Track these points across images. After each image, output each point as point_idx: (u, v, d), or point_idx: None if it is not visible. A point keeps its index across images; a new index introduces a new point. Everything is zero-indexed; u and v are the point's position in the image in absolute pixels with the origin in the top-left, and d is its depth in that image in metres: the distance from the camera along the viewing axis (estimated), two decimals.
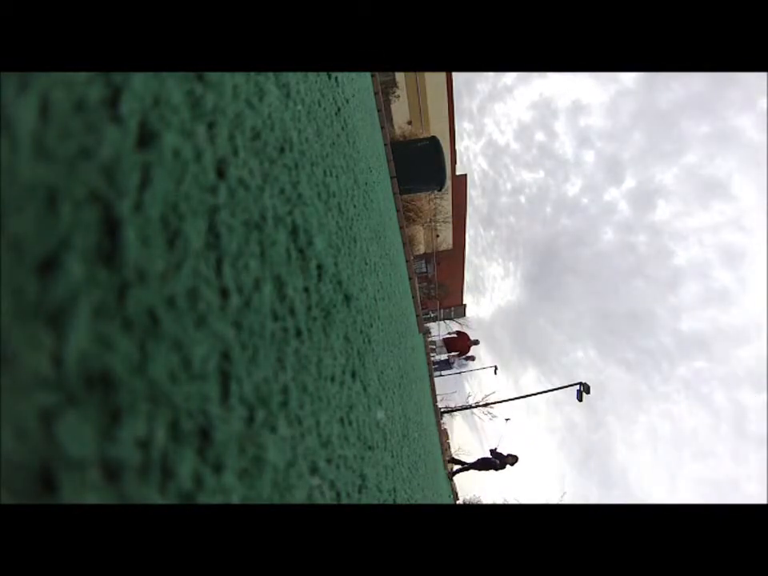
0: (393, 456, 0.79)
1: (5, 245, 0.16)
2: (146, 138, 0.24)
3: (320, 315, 0.48)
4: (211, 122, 0.32)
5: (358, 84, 1.61)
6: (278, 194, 0.42)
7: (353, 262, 0.75)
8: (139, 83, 0.25)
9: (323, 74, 0.82)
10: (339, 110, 0.93)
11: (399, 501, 0.76)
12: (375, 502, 0.57)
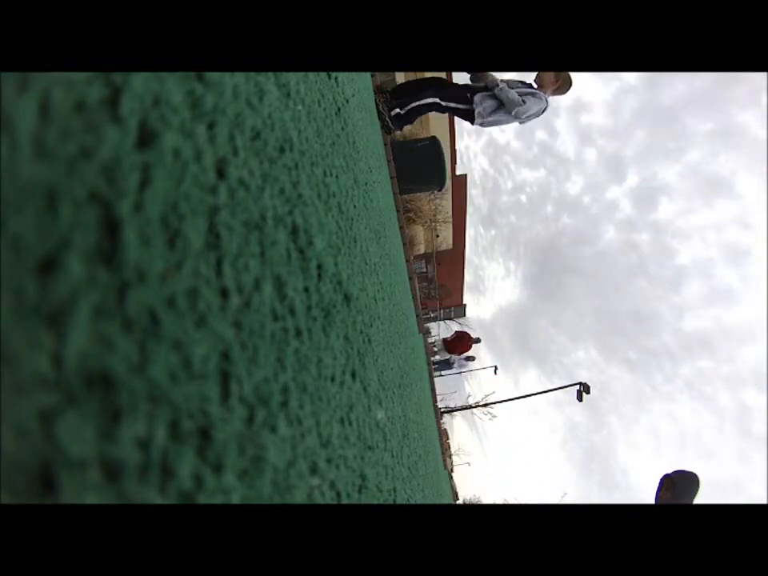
0: (393, 456, 0.79)
1: (5, 245, 0.16)
2: (146, 138, 0.24)
3: (320, 315, 0.48)
4: (211, 122, 0.32)
5: (358, 84, 1.61)
6: (277, 194, 0.42)
7: (353, 262, 0.75)
8: (139, 83, 0.25)
9: (323, 74, 0.82)
10: (339, 109, 0.93)
11: (399, 501, 0.76)
12: (375, 501, 0.57)
